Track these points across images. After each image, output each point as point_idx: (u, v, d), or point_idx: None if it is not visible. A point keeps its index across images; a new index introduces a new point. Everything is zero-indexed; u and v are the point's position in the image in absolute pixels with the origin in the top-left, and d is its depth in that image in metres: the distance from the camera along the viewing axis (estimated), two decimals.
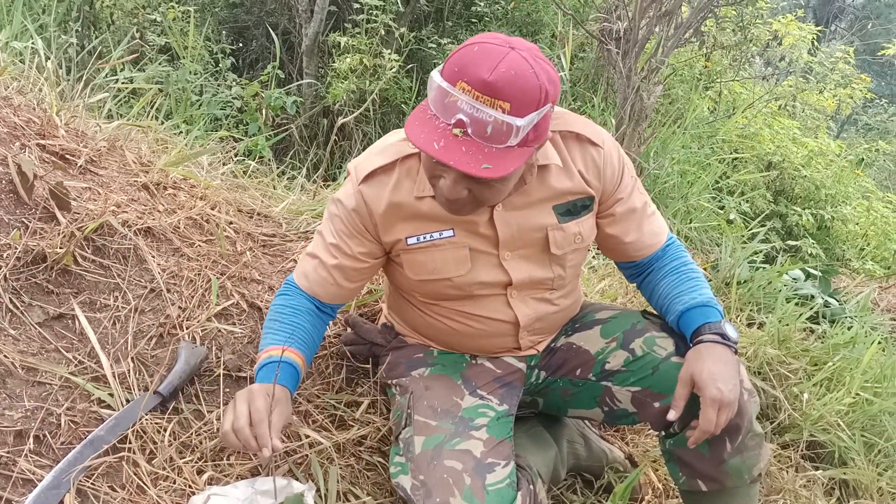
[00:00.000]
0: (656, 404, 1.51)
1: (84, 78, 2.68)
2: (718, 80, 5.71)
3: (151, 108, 2.99)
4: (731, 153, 5.12)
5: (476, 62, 1.23)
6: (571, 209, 1.52)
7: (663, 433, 1.57)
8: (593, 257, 2.92)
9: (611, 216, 1.58)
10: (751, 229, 3.98)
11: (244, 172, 2.94)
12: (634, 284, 1.74)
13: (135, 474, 1.40)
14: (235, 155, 3.09)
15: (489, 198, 1.36)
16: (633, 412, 1.56)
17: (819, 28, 6.55)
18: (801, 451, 2.11)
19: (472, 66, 1.22)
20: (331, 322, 1.89)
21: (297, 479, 1.49)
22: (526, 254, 1.53)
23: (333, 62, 4.99)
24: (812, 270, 3.08)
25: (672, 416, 1.44)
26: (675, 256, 1.63)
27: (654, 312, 1.65)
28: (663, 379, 1.50)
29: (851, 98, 6.28)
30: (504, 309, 1.58)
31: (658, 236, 1.63)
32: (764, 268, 2.88)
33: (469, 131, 1.24)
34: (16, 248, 1.54)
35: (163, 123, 3.00)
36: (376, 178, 1.50)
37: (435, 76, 1.27)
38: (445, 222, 1.49)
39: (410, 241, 1.50)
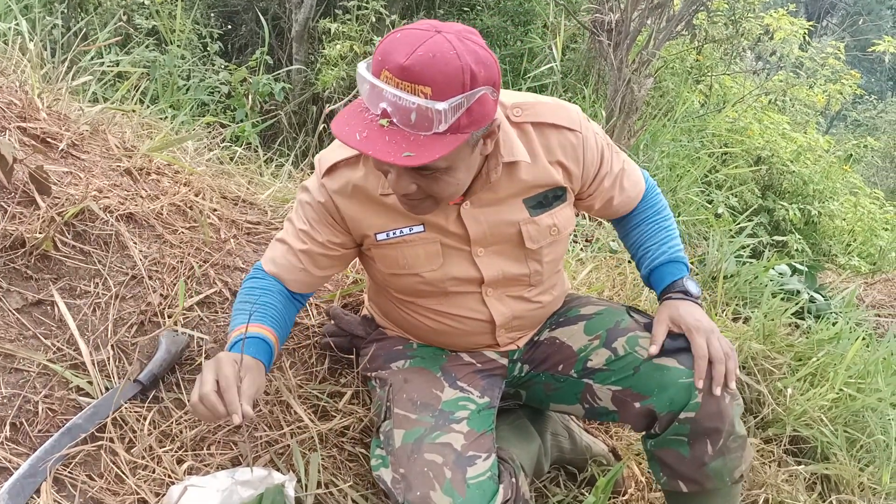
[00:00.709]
0: (636, 405, 1.50)
1: (69, 60, 2.64)
2: (709, 74, 5.70)
3: (137, 92, 2.95)
4: (720, 147, 5.12)
5: (397, 48, 1.18)
6: (542, 201, 1.48)
7: (644, 434, 1.56)
8: (581, 249, 2.92)
9: (599, 191, 1.57)
10: (738, 223, 3.99)
11: (230, 159, 2.91)
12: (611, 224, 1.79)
13: (113, 463, 1.38)
14: (222, 141, 3.05)
15: (439, 191, 1.31)
16: (613, 410, 1.56)
17: (811, 23, 6.56)
18: (784, 445, 2.12)
19: (393, 53, 1.17)
20: (313, 312, 1.88)
21: (278, 470, 1.48)
22: (500, 249, 1.50)
23: (323, 49, 4.96)
24: (798, 266, 3.09)
25: (653, 350, 1.48)
26: (651, 204, 1.67)
27: (640, 310, 1.65)
28: (644, 379, 1.49)
29: (841, 94, 6.30)
30: (479, 307, 1.56)
31: (637, 186, 1.64)
32: (751, 262, 2.88)
33: (395, 120, 1.20)
34: None
35: (148, 108, 2.97)
36: (339, 172, 1.45)
37: (360, 67, 1.23)
38: (415, 218, 1.45)
39: (380, 236, 1.48)
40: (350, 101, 4.55)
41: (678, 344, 1.48)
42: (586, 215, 3.31)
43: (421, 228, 1.46)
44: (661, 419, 1.47)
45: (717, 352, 1.44)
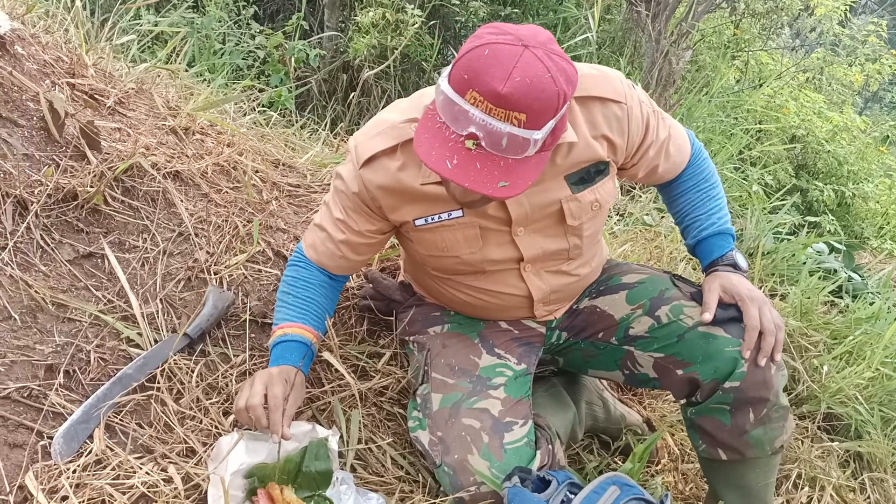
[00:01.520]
0: (679, 372, 1.50)
1: (109, 20, 2.65)
2: (746, 50, 5.60)
3: (175, 55, 2.96)
4: (755, 124, 5.05)
5: (487, 69, 1.13)
6: (585, 176, 1.46)
7: (684, 401, 1.56)
8: (615, 223, 2.91)
9: (644, 160, 1.53)
10: (773, 202, 3.94)
11: (266, 122, 2.92)
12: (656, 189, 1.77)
13: (162, 412, 1.41)
14: (258, 105, 3.07)
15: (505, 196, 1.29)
16: (654, 377, 1.56)
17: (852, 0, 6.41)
18: (818, 422, 2.11)
19: (484, 75, 1.13)
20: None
21: (319, 425, 1.51)
22: (540, 227, 1.48)
23: (355, 16, 4.92)
24: (836, 244, 3.05)
25: (707, 317, 1.47)
26: (698, 170, 1.63)
27: (684, 278, 1.63)
28: (689, 347, 1.49)
29: (880, 74, 6.16)
30: (517, 283, 1.55)
31: (683, 151, 1.60)
32: (788, 239, 2.86)
33: (483, 143, 1.17)
34: (47, 185, 1.54)
35: (187, 70, 2.98)
36: (378, 162, 1.42)
37: (443, 84, 1.19)
38: (455, 203, 1.42)
39: (418, 222, 1.47)
40: (380, 70, 4.49)
41: (729, 313, 1.47)
42: (620, 188, 3.29)
43: (460, 213, 1.45)
44: (704, 387, 1.47)
45: (768, 322, 1.43)
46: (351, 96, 4.46)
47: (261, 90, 3.36)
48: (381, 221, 1.49)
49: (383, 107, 1.61)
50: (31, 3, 2.10)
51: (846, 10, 5.63)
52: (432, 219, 1.46)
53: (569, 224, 1.48)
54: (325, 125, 3.86)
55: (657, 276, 1.62)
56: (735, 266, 1.56)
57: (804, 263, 2.61)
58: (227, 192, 1.88)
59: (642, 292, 1.59)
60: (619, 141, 1.45)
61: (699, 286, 1.56)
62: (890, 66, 6.23)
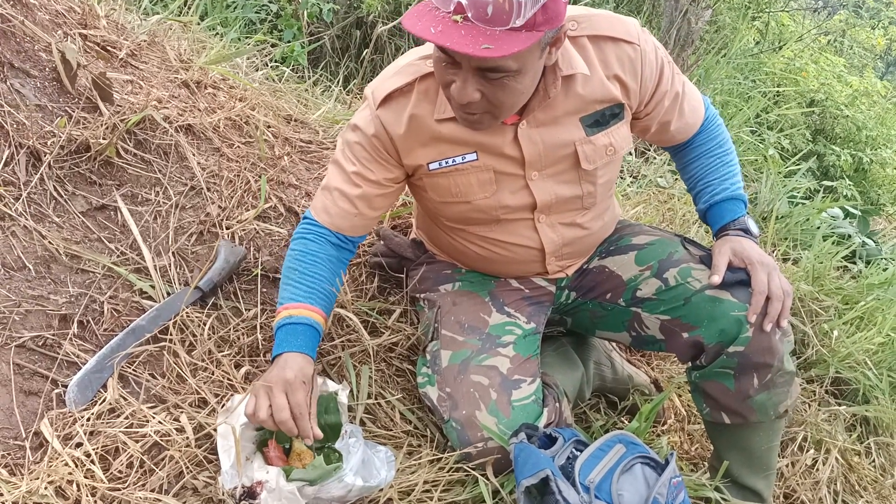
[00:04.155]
0: (685, 335, 1.50)
1: None
2: (767, 10, 5.49)
3: (186, 6, 2.93)
4: (774, 87, 4.96)
5: None
6: (600, 119, 1.44)
7: (689, 364, 1.57)
8: (628, 185, 2.88)
9: (657, 110, 1.52)
10: (788, 166, 3.90)
11: (279, 78, 2.90)
12: (668, 153, 1.75)
13: (175, 364, 1.43)
14: (271, 60, 3.04)
15: (503, 99, 1.28)
16: (660, 339, 1.56)
17: None
18: (826, 386, 2.12)
19: None
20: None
21: (330, 379, 1.52)
22: (554, 172, 1.47)
23: None
24: (851, 209, 3.02)
25: (716, 280, 1.46)
26: (712, 135, 1.63)
27: (694, 241, 1.62)
28: (695, 310, 1.49)
29: None
30: (530, 234, 1.55)
31: (697, 113, 1.59)
32: (803, 204, 2.83)
33: (469, 15, 1.16)
34: (60, 136, 1.54)
35: (199, 24, 2.95)
36: (394, 101, 1.42)
37: None
38: (468, 145, 1.43)
39: (432, 166, 1.45)
40: (395, 26, 4.43)
41: (737, 276, 1.47)
42: (633, 151, 3.25)
43: (474, 157, 1.44)
44: (709, 351, 1.47)
45: (776, 288, 1.43)
46: (364, 53, 4.42)
47: (273, 45, 3.33)
48: (397, 168, 1.48)
49: None
50: None
51: None
52: (446, 162, 1.45)
53: (583, 168, 1.47)
54: (338, 81, 3.83)
55: (667, 238, 1.62)
56: (746, 231, 1.55)
57: (818, 228, 2.59)
58: (238, 147, 1.88)
59: (651, 253, 1.58)
60: (632, 84, 1.44)
61: (709, 249, 1.56)
62: None
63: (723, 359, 1.45)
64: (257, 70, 2.69)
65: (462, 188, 1.47)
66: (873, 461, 2.03)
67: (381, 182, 1.48)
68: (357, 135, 1.46)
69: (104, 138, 1.58)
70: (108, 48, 1.87)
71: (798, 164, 4.01)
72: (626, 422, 1.83)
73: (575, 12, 1.42)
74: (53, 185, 1.52)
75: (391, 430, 1.56)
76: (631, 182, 2.98)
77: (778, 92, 5.02)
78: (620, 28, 1.42)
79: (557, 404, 1.57)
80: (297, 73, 3.39)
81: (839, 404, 2.11)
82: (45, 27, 1.74)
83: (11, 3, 1.66)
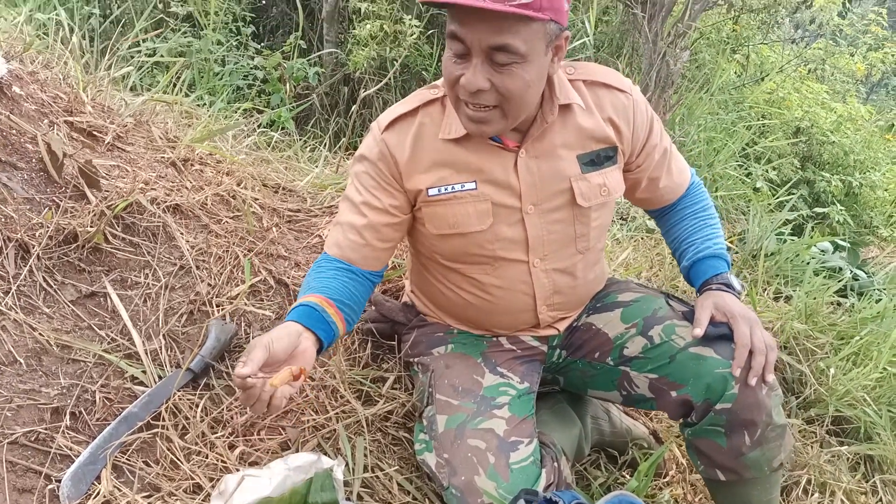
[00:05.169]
0: (673, 393, 1.51)
1: (108, 48, 2.68)
2: (747, 44, 5.58)
3: (174, 84, 2.99)
4: (758, 119, 5.02)
5: None
6: (595, 159, 1.51)
7: (682, 421, 1.57)
8: (617, 228, 2.91)
9: (648, 163, 1.59)
10: (778, 197, 3.93)
11: (267, 143, 2.95)
12: (653, 218, 1.81)
13: (168, 449, 1.43)
14: (258, 126, 3.09)
15: (512, 88, 1.33)
16: (650, 398, 1.56)
17: None
18: (827, 426, 2.11)
19: None
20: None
21: (325, 454, 1.52)
22: (550, 207, 1.51)
23: (353, 28, 4.94)
24: (841, 242, 3.04)
25: (697, 332, 1.48)
26: (697, 199, 1.70)
27: (678, 297, 1.64)
28: (680, 368, 1.49)
29: (883, 62, 6.12)
30: (524, 278, 1.56)
31: (684, 174, 1.68)
32: (792, 240, 2.84)
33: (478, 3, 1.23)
34: (48, 228, 1.56)
35: (187, 95, 3.01)
36: (399, 125, 1.49)
37: None
38: (469, 172, 1.48)
39: (431, 192, 1.49)
40: (382, 84, 4.51)
41: (720, 331, 1.48)
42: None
43: (473, 186, 1.48)
44: (698, 409, 1.47)
45: (759, 342, 1.44)
46: (353, 109, 4.49)
47: (260, 111, 3.38)
48: (401, 194, 1.51)
49: None
50: (28, 41, 2.13)
51: (844, 1, 5.60)
52: (445, 189, 1.49)
53: (579, 204, 1.51)
54: (328, 139, 3.88)
55: (651, 296, 1.64)
56: (729, 286, 1.56)
57: (808, 263, 2.60)
58: (227, 222, 1.90)
59: (636, 311, 1.60)
60: (625, 129, 1.52)
61: (692, 305, 1.57)
62: (893, 55, 6.19)
63: (711, 416, 1.45)
64: (248, 136, 2.74)
65: (459, 218, 1.50)
66: (880, 499, 2.00)
67: (388, 210, 1.50)
68: (363, 164, 1.52)
69: (92, 226, 1.60)
70: (95, 133, 1.90)
71: (789, 194, 4.05)
72: (628, 476, 1.82)
73: (572, 62, 1.53)
74: (43, 276, 1.53)
75: (390, 502, 1.55)
76: (621, 224, 3.00)
77: (763, 124, 5.08)
78: (614, 77, 1.53)
79: (556, 464, 1.56)
80: (287, 135, 3.45)
81: (841, 443, 2.09)
82: (31, 118, 1.77)
83: None
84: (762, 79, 5.43)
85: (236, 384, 1.24)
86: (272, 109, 3.55)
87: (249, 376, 1.22)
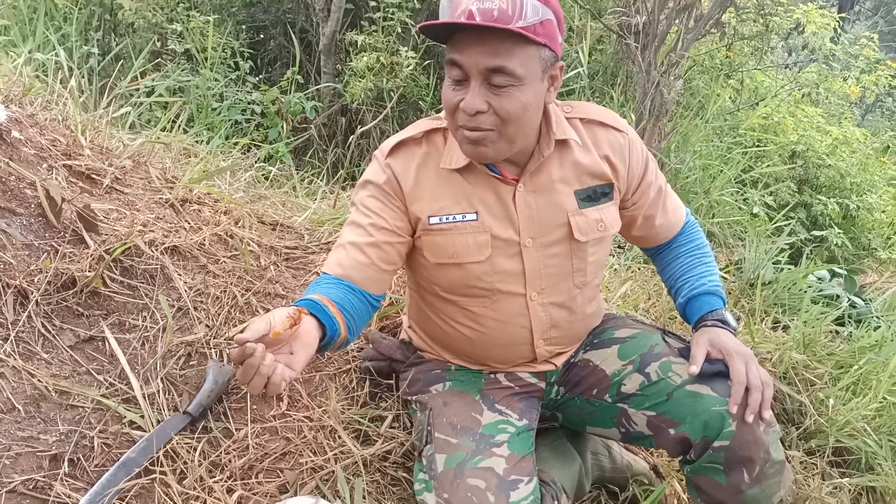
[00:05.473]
0: (671, 431, 1.51)
1: (107, 86, 2.71)
2: (740, 70, 5.63)
3: (173, 115, 3.02)
4: (754, 144, 5.05)
5: None
6: (592, 195, 1.54)
7: (681, 459, 1.56)
8: (615, 259, 2.91)
9: (643, 201, 1.63)
10: (775, 222, 3.94)
11: (265, 178, 2.97)
12: (649, 256, 1.83)
13: (166, 495, 1.43)
14: (256, 161, 3.11)
15: (510, 110, 1.36)
16: (649, 435, 1.56)
17: (842, 15, 6.41)
18: (828, 457, 2.10)
19: None
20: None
21: (324, 497, 1.51)
22: (548, 241, 1.53)
23: (350, 60, 4.99)
24: (837, 269, 3.04)
25: (693, 370, 1.49)
26: (691, 237, 1.73)
27: (674, 334, 1.65)
28: (677, 406, 1.50)
29: (876, 85, 6.17)
30: (521, 312, 1.57)
31: (678, 213, 1.71)
32: (789, 269, 2.85)
33: (477, 19, 1.30)
34: (47, 273, 1.57)
35: (185, 132, 3.03)
36: (402, 151, 1.52)
37: (442, 2, 1.38)
38: (470, 203, 1.50)
39: (433, 220, 1.51)
40: (378, 112, 4.54)
41: (715, 368, 1.49)
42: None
43: (473, 217, 1.50)
44: (696, 446, 1.47)
45: (755, 378, 1.44)
46: (350, 139, 4.52)
47: (258, 145, 3.41)
48: (405, 216, 1.52)
49: None
50: (27, 85, 2.15)
51: (836, 26, 5.66)
52: (446, 218, 1.50)
53: (576, 239, 1.53)
54: (326, 169, 3.91)
55: (648, 332, 1.65)
56: (724, 322, 1.57)
57: (804, 292, 2.61)
58: (224, 262, 1.91)
59: (633, 347, 1.61)
60: (621, 167, 1.56)
61: (688, 342, 1.58)
62: (886, 77, 6.23)
63: (710, 454, 1.45)
64: (246, 171, 2.76)
65: (458, 248, 1.51)
66: None
67: (395, 230, 1.51)
68: (368, 188, 1.53)
69: (90, 270, 1.61)
70: (93, 176, 1.92)
71: (787, 218, 4.06)
72: None
73: (569, 102, 1.58)
74: (41, 322, 1.54)
75: None
76: (619, 253, 3.01)
77: (759, 149, 5.11)
78: (610, 116, 1.58)
79: (556, 502, 1.56)
80: (285, 169, 3.47)
81: (842, 475, 2.08)
82: (30, 163, 1.79)
83: None
84: (757, 104, 5.47)
85: (234, 355, 1.17)
86: (270, 144, 3.58)
87: (249, 341, 1.16)
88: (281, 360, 1.21)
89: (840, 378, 2.25)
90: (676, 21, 4.10)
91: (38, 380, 1.46)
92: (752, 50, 5.67)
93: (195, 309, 1.75)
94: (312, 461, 1.60)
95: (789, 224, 3.80)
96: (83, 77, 2.85)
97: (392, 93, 4.79)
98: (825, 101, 6.49)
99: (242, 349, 1.16)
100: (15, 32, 3.18)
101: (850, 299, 2.79)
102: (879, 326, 2.58)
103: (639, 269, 2.75)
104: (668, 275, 1.73)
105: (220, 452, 1.54)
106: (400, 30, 4.93)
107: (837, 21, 5.76)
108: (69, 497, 1.36)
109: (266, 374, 1.17)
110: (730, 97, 5.61)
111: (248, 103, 3.86)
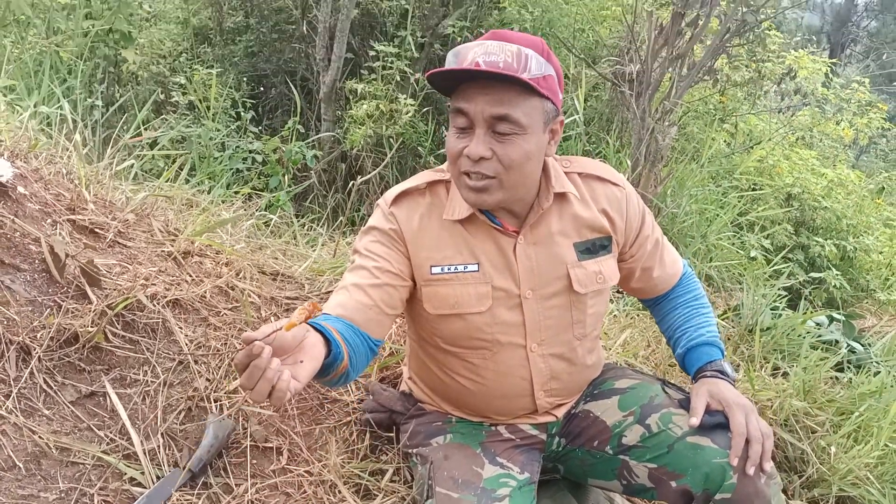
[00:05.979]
0: (673, 483, 1.50)
1: (111, 137, 2.76)
2: (734, 115, 5.72)
3: (176, 165, 3.06)
4: (749, 188, 5.11)
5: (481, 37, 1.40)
6: (590, 248, 1.56)
7: None
8: (614, 304, 2.92)
9: (640, 254, 1.65)
10: (773, 265, 3.96)
11: (266, 226, 3.00)
12: (647, 307, 1.84)
13: None
14: (257, 209, 3.15)
15: (513, 157, 1.39)
16: (651, 487, 1.56)
17: (833, 60, 6.54)
18: None
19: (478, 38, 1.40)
20: (352, 388, 1.90)
21: None
22: (548, 293, 1.54)
23: (350, 108, 5.07)
24: (836, 315, 3.06)
25: (694, 421, 1.49)
26: (689, 288, 1.75)
27: (674, 384, 1.66)
28: (678, 458, 1.50)
29: (868, 127, 6.26)
30: (521, 363, 1.58)
31: (676, 265, 1.74)
32: (787, 315, 2.86)
33: (481, 65, 1.34)
34: (49, 329, 1.58)
35: (187, 182, 3.08)
36: (406, 200, 1.55)
37: (448, 56, 1.42)
38: (472, 254, 1.52)
39: (434, 269, 1.52)
40: (377, 158, 4.60)
41: (715, 420, 1.49)
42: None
43: (475, 267, 1.52)
44: (698, 499, 1.47)
45: (755, 430, 1.44)
46: (351, 185, 4.57)
47: (259, 193, 3.45)
48: (408, 262, 1.53)
49: (382, 192, 1.72)
50: (33, 141, 2.19)
51: (827, 71, 5.77)
52: (447, 268, 1.52)
53: (575, 291, 1.54)
54: (327, 215, 3.95)
55: (648, 382, 1.65)
56: (723, 373, 1.58)
57: (803, 338, 2.61)
58: (225, 314, 1.92)
59: (633, 398, 1.61)
60: (618, 221, 1.58)
61: (688, 393, 1.58)
62: (878, 120, 6.33)
63: None
64: (246, 220, 2.79)
65: (460, 299, 1.52)
66: None
67: (399, 274, 1.51)
68: (373, 234, 1.54)
69: (93, 326, 1.63)
70: (97, 230, 1.95)
71: (785, 259, 4.08)
72: None
73: (567, 157, 1.62)
74: (43, 378, 1.55)
75: None
76: (618, 299, 3.02)
77: (754, 192, 5.16)
78: (607, 171, 1.61)
79: None
80: (285, 217, 3.51)
81: None
82: (35, 218, 1.82)
83: (2, 201, 1.75)
84: (751, 147, 5.54)
85: (239, 357, 1.08)
86: (270, 192, 3.62)
87: (257, 340, 1.08)
88: (287, 367, 1.13)
89: (841, 425, 2.24)
90: (670, 69, 4.18)
91: (40, 436, 1.46)
92: (746, 95, 5.77)
93: (195, 362, 1.76)
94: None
95: (788, 267, 3.81)
96: (87, 129, 2.91)
97: (392, 139, 4.86)
98: (819, 143, 6.58)
99: (249, 349, 1.08)
100: (21, 87, 3.24)
101: (849, 344, 2.80)
102: (879, 372, 2.58)
103: (638, 315, 2.76)
104: (667, 326, 1.74)
105: None
106: (399, 78, 5.03)
107: (829, 66, 5.88)
108: None
109: (272, 378, 1.08)
110: (724, 141, 5.69)
111: (250, 152, 3.92)
